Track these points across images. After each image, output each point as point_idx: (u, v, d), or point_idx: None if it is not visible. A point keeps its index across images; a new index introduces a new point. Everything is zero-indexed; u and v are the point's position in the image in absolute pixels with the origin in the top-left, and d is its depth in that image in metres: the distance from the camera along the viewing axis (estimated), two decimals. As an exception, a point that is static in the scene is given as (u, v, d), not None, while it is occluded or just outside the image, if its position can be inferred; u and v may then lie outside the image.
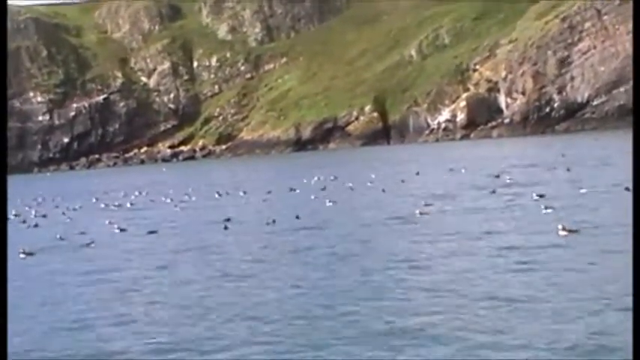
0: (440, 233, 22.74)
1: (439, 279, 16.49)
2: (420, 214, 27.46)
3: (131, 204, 43.33)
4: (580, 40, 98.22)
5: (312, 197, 35.69)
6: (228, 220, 29.97)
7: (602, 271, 15.82)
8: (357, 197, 36.40)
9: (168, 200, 42.67)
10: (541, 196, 28.79)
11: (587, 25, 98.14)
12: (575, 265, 16.68)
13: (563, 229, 20.49)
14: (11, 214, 41.22)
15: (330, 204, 33.13)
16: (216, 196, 43.20)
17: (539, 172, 40.28)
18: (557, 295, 14.18)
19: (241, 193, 43.32)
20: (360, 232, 24.64)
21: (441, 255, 19.34)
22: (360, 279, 17.16)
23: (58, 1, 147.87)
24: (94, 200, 48.70)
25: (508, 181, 37.03)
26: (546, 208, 25.48)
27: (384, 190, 38.01)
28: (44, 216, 40.08)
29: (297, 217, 29.01)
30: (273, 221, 28.21)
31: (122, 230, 29.73)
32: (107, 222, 33.24)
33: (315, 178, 49.30)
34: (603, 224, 21.51)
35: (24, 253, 24.90)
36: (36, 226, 33.90)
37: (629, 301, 12.29)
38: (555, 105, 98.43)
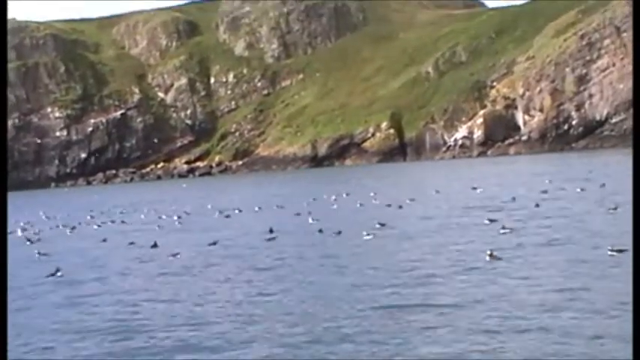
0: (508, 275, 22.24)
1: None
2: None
3: (179, 216, 43.14)
4: (599, 57, 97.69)
5: (310, 220, 34.85)
6: (270, 231, 30.29)
7: None
8: (347, 214, 36.04)
9: (216, 215, 42.58)
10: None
11: (606, 42, 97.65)
12: None
13: None
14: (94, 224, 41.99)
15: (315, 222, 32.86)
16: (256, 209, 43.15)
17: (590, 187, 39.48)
18: None
19: (256, 208, 43.70)
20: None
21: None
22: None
23: (76, 18, 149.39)
24: (152, 212, 49.17)
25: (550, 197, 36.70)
26: None
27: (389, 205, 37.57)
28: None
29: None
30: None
31: (214, 243, 28.80)
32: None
33: (324, 196, 49.04)
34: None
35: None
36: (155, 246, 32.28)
37: None
38: (574, 122, 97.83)
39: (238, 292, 18.92)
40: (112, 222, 44.08)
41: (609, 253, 19.33)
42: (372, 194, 46.18)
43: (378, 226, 29.25)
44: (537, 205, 32.66)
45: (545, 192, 38.95)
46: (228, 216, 41.16)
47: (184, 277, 21.87)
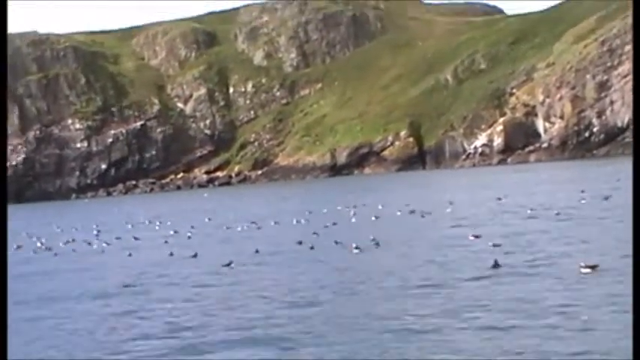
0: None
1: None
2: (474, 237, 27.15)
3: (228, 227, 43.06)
4: (620, 63, 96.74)
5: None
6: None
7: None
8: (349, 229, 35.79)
9: (251, 224, 42.54)
10: None
11: (627, 48, 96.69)
12: None
13: None
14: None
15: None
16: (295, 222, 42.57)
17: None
18: None
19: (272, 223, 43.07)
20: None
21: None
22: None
23: (96, 29, 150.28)
24: (207, 220, 49.13)
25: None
26: None
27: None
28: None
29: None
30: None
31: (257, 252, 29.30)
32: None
33: (339, 207, 48.88)
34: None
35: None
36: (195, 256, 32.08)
37: None
38: (595, 129, 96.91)
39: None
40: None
41: None
42: (405, 204, 45.51)
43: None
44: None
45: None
46: (260, 227, 40.93)
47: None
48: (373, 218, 40.23)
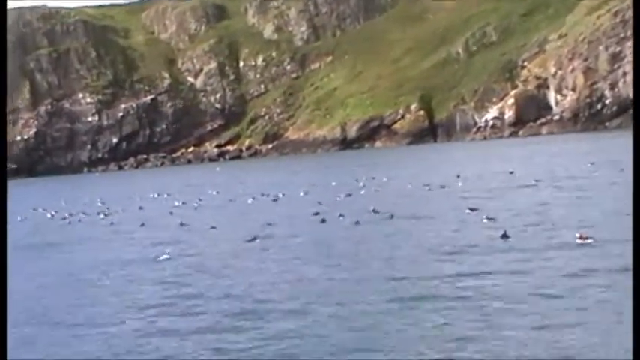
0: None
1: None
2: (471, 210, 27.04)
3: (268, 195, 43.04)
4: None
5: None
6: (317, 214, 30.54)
7: None
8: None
9: (281, 195, 42.37)
10: None
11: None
12: None
13: None
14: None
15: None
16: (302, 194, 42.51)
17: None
18: None
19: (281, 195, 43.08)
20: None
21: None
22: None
23: (106, 3, 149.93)
24: (237, 189, 49.60)
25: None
26: None
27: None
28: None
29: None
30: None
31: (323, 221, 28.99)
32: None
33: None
34: None
35: None
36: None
37: None
38: (607, 101, 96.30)
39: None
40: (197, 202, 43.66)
41: None
42: (417, 178, 45.28)
43: (467, 211, 27.76)
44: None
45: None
46: (275, 199, 40.87)
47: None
48: (384, 191, 40.27)
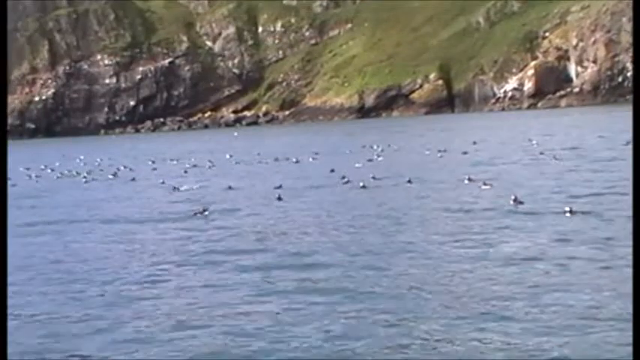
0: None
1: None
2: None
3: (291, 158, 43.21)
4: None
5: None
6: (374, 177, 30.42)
7: None
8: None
9: (311, 159, 42.54)
10: None
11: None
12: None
13: None
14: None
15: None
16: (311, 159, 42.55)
17: None
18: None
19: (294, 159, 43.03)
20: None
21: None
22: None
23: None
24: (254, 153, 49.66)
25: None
26: None
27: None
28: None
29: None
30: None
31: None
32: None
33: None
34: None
35: None
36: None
37: None
38: (629, 74, 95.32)
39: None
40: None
41: None
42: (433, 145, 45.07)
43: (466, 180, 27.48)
44: None
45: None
46: (297, 161, 41.11)
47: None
48: (401, 157, 40.26)
